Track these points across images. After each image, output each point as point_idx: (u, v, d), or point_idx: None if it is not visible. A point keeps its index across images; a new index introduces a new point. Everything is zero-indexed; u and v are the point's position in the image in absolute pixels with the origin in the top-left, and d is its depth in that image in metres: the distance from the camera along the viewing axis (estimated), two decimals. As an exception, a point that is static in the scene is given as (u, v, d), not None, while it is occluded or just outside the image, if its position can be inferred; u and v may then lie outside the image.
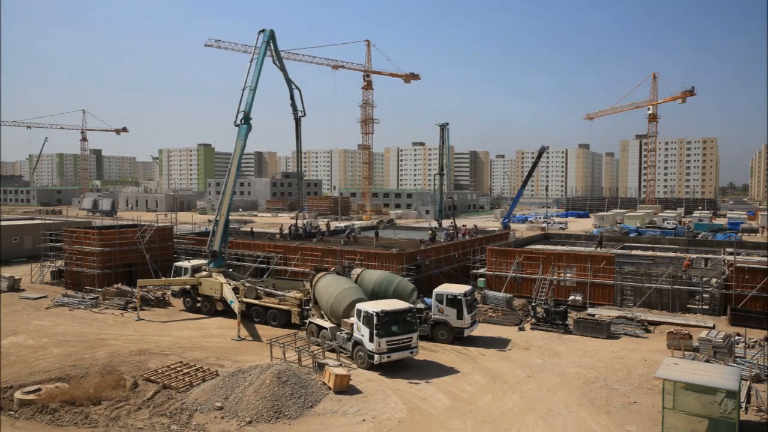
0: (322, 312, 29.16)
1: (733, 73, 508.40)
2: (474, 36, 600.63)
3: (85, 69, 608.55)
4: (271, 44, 38.72)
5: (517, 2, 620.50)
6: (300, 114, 42.81)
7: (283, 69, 40.92)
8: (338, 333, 27.14)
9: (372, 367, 24.75)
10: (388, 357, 24.63)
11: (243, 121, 37.02)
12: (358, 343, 25.53)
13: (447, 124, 61.62)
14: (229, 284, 34.52)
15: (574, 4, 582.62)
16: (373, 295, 30.24)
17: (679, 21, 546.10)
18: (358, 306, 25.69)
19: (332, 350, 26.57)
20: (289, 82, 41.82)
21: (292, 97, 42.33)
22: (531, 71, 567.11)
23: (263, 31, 38.37)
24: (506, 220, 72.51)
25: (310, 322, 29.53)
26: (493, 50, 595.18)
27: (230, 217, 37.92)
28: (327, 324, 28.30)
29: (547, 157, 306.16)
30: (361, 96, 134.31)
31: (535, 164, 71.32)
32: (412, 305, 26.69)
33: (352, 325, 26.15)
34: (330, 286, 28.80)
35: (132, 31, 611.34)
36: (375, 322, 24.35)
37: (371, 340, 24.54)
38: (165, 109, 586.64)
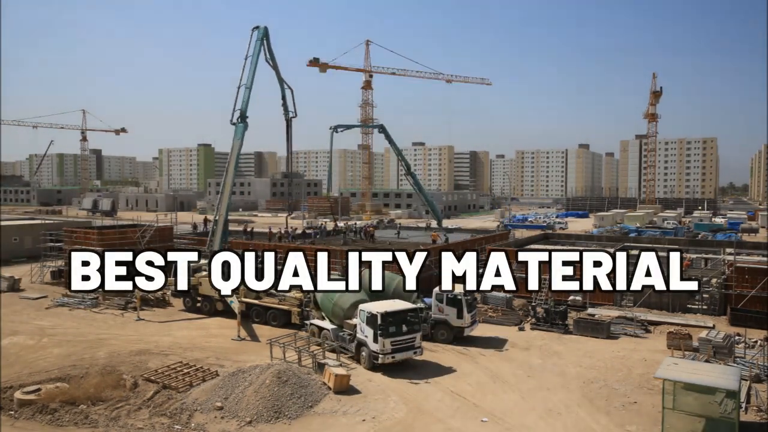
0: (323, 313, 29.11)
1: (734, 73, 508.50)
2: (474, 35, 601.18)
3: (85, 69, 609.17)
4: (265, 42, 38.41)
5: (517, 1, 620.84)
6: (291, 115, 42.12)
7: (275, 67, 40.20)
8: (340, 334, 27.10)
9: (375, 368, 24.66)
10: (393, 357, 24.47)
11: (239, 120, 37.23)
12: (362, 344, 25.36)
13: (347, 124, 61.27)
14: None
15: (575, 3, 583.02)
16: (373, 294, 30.26)
17: (679, 21, 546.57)
18: (362, 307, 25.58)
19: (333, 351, 26.51)
20: (281, 81, 41.27)
21: (284, 97, 41.66)
22: (531, 71, 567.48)
23: (257, 28, 38.06)
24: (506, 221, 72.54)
25: (311, 324, 29.54)
26: (494, 50, 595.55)
27: (230, 217, 37.82)
28: (328, 325, 28.26)
29: (547, 157, 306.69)
30: (360, 96, 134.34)
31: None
32: (415, 305, 26.45)
33: (354, 326, 26.09)
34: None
35: (132, 31, 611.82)
36: (379, 322, 24.29)
37: (375, 340, 24.44)
38: (165, 109, 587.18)
